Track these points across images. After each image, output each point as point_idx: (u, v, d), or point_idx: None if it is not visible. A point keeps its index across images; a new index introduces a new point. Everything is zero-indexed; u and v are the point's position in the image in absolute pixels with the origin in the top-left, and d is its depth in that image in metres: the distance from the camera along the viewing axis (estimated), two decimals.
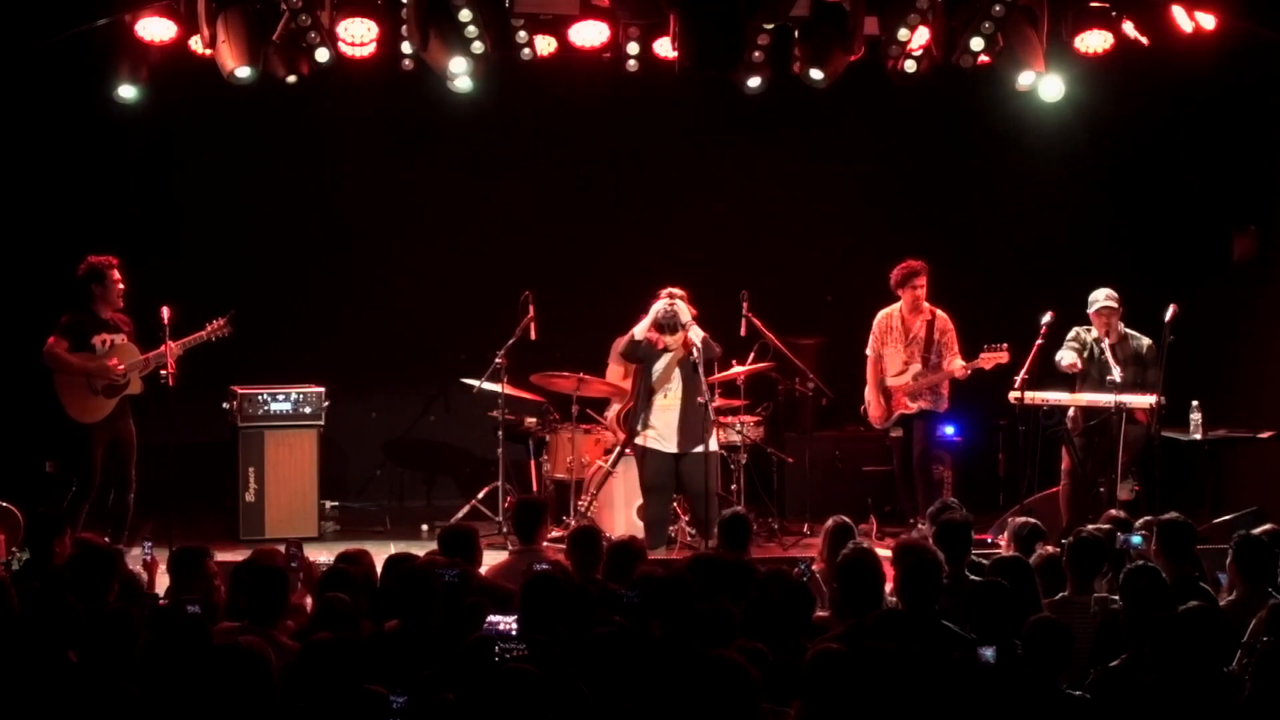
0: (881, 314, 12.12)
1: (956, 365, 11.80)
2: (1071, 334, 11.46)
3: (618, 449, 11.70)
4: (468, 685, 5.87)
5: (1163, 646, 6.10)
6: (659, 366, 11.23)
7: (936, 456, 12.31)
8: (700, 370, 11.07)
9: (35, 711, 5.67)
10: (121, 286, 10.93)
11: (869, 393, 12.19)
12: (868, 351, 12.14)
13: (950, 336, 11.94)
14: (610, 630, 6.26)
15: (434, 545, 9.08)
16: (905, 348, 11.97)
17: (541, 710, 5.62)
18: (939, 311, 12.00)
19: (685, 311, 11.18)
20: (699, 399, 11.01)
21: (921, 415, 11.96)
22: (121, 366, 10.82)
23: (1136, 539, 8.07)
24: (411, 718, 5.65)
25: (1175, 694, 5.95)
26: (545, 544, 8.88)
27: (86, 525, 10.41)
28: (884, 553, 8.34)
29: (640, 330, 11.19)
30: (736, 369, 12.10)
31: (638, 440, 11.31)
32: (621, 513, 11.65)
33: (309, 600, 7.67)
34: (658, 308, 11.14)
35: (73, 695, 5.73)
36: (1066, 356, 11.29)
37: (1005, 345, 11.57)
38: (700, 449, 11.11)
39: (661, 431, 11.21)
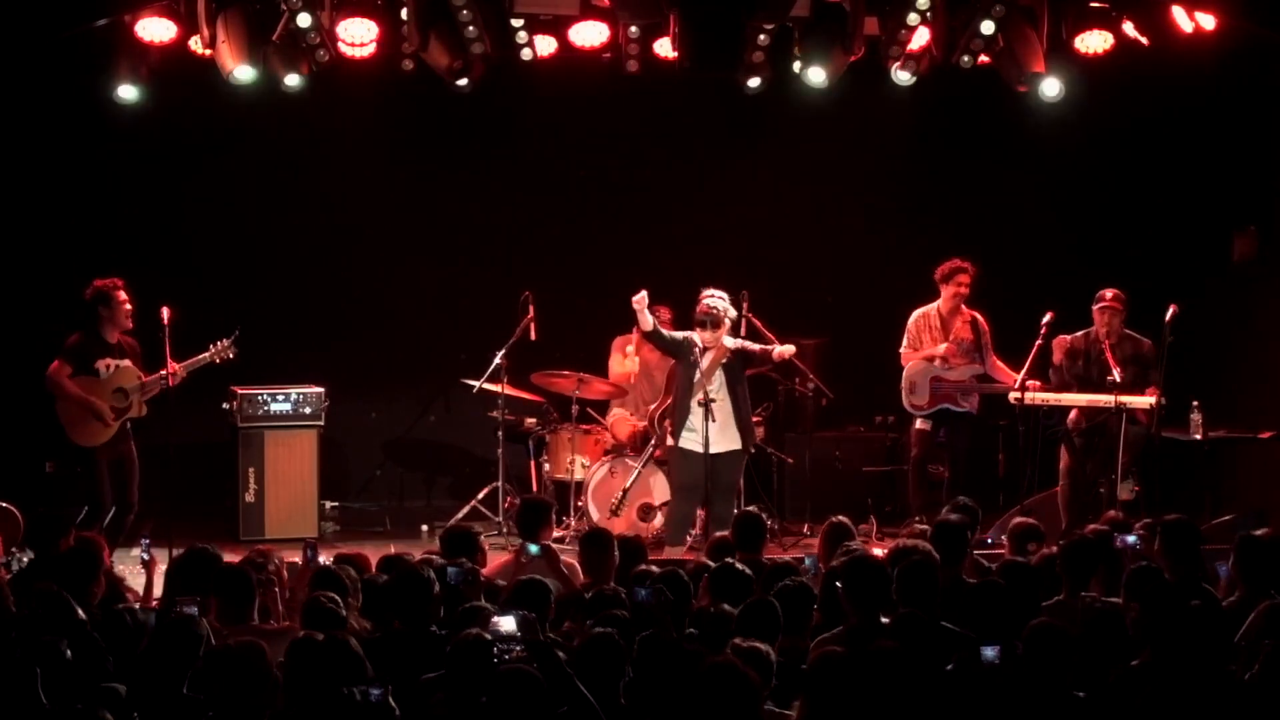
0: (918, 312, 11.99)
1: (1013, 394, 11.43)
2: (1068, 347, 11.44)
3: (650, 447, 11.64)
4: (459, 684, 5.87)
5: (1165, 647, 6.10)
6: (702, 366, 11.01)
7: (937, 456, 12.27)
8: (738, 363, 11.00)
9: (30, 711, 5.68)
10: (129, 307, 10.85)
11: (916, 377, 11.92)
12: (902, 350, 11.96)
13: (989, 339, 11.88)
14: (608, 631, 6.27)
15: (434, 545, 9.12)
16: (945, 343, 11.90)
17: (540, 711, 5.62)
18: (978, 314, 11.94)
19: (730, 309, 11.05)
20: (697, 399, 10.94)
21: (966, 418, 11.85)
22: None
23: (1132, 539, 8.07)
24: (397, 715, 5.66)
25: (1177, 694, 5.95)
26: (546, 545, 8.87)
27: None
28: (881, 553, 8.34)
29: (646, 323, 10.93)
30: None
31: (675, 441, 11.10)
32: (622, 513, 11.63)
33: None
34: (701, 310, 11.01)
35: (66, 695, 5.73)
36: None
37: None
38: (735, 447, 11.02)
39: (700, 432, 10.96)
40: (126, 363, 10.86)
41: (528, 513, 9.02)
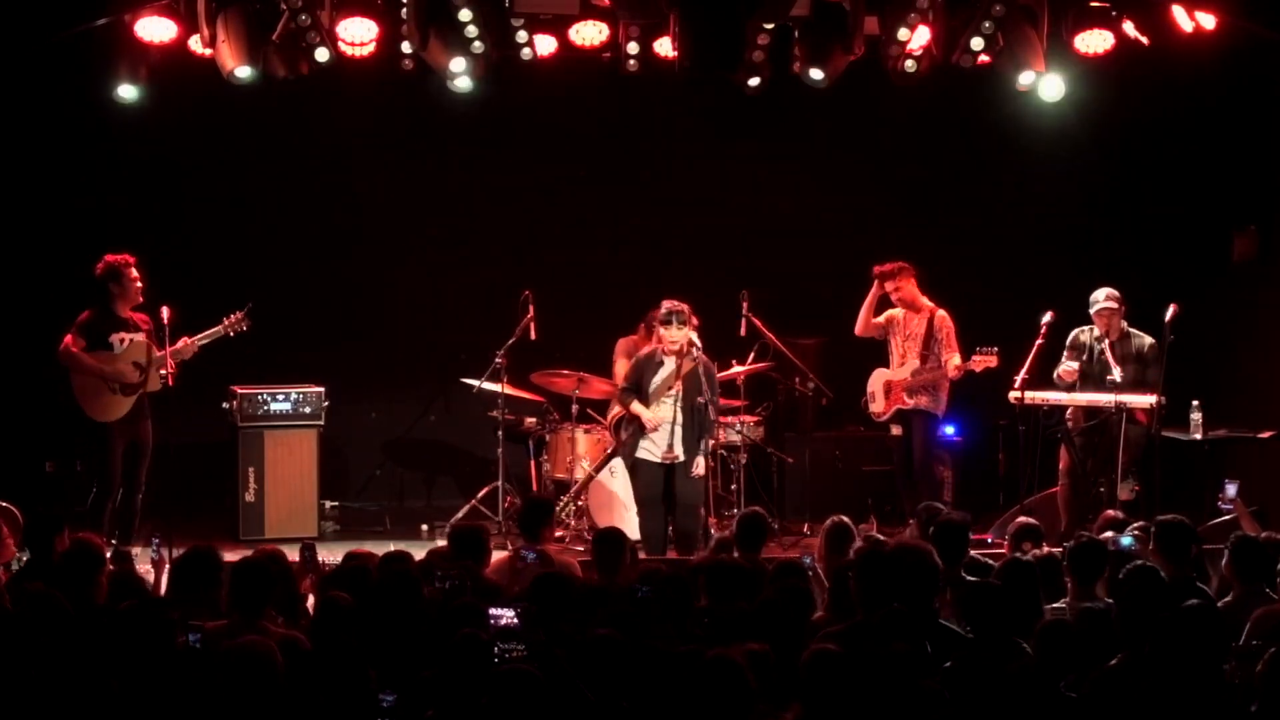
0: (891, 311, 12.02)
1: (952, 365, 11.70)
2: (1070, 339, 11.45)
3: (605, 456, 11.65)
4: (456, 682, 5.87)
5: (1162, 646, 6.10)
6: (660, 376, 10.97)
7: (937, 457, 12.26)
8: (701, 373, 10.94)
9: (28, 711, 5.67)
10: (140, 284, 10.89)
11: (873, 386, 12.05)
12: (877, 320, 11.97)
13: (947, 334, 11.77)
14: (608, 631, 6.27)
15: (433, 545, 9.12)
16: (903, 343, 11.90)
17: (541, 711, 5.63)
18: (939, 310, 11.91)
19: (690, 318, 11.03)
20: (698, 399, 10.91)
21: (919, 415, 11.86)
22: (136, 376, 10.76)
23: (1127, 540, 8.07)
24: (402, 717, 5.67)
25: (1174, 694, 5.95)
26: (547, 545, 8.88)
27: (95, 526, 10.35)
28: None
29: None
30: (736, 369, 12.09)
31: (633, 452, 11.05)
32: (620, 513, 11.62)
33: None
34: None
35: (64, 695, 5.73)
36: (1064, 366, 11.34)
37: (995, 349, 11.43)
38: (690, 457, 10.87)
39: (655, 441, 10.92)
40: (140, 336, 10.87)
41: (530, 512, 9.01)
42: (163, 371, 10.71)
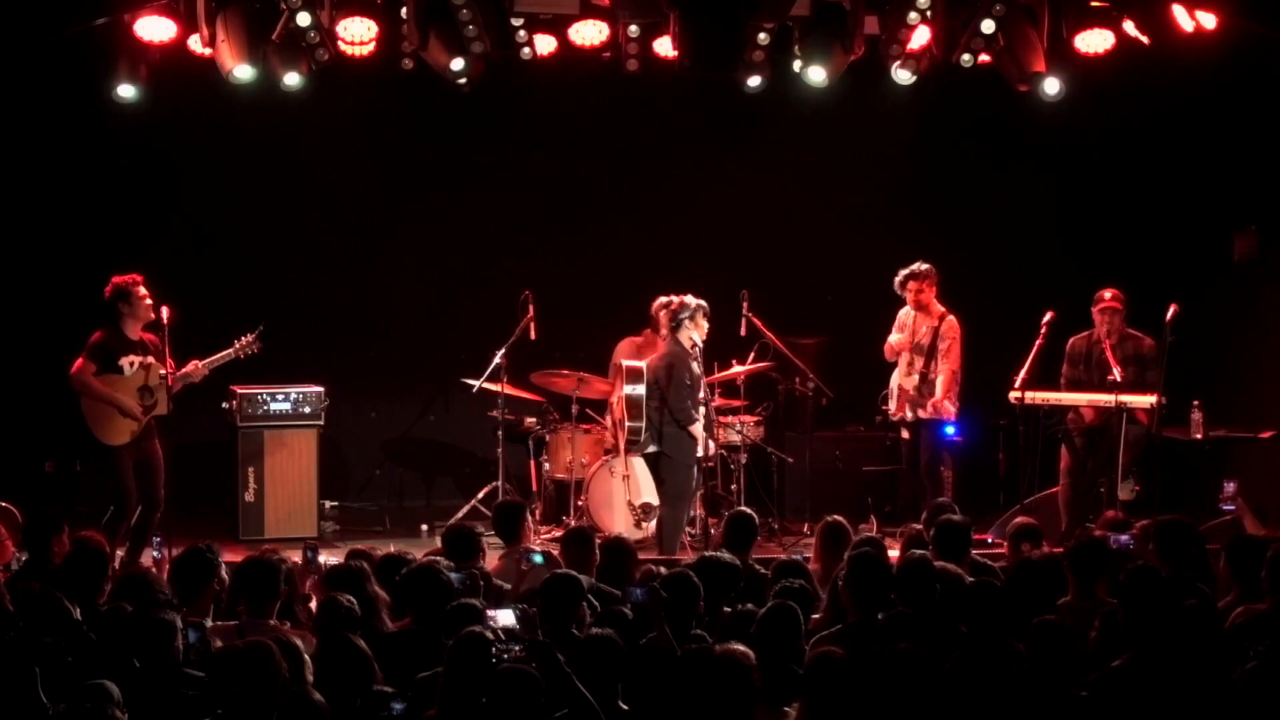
0: (904, 309, 11.99)
1: (932, 403, 11.67)
2: (1067, 349, 11.46)
3: (614, 455, 11.65)
4: (457, 682, 5.87)
5: (1161, 646, 6.10)
6: (697, 372, 11.05)
7: (941, 459, 12.22)
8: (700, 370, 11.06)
9: (30, 711, 5.67)
10: (149, 302, 10.74)
11: (892, 383, 11.98)
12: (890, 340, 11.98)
13: (950, 344, 11.70)
14: (608, 631, 6.26)
15: (434, 545, 9.11)
16: (910, 350, 11.88)
17: (539, 711, 5.63)
18: (949, 316, 11.83)
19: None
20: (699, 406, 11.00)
21: (925, 423, 11.83)
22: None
23: (1126, 539, 8.07)
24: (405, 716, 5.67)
25: (1173, 694, 5.95)
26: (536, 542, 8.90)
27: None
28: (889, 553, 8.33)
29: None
30: (736, 369, 12.09)
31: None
32: (621, 512, 11.62)
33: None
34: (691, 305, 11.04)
35: (67, 694, 5.73)
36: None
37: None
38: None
39: (702, 438, 11.12)
40: (150, 359, 10.81)
41: (502, 516, 9.04)
42: (162, 372, 10.64)
